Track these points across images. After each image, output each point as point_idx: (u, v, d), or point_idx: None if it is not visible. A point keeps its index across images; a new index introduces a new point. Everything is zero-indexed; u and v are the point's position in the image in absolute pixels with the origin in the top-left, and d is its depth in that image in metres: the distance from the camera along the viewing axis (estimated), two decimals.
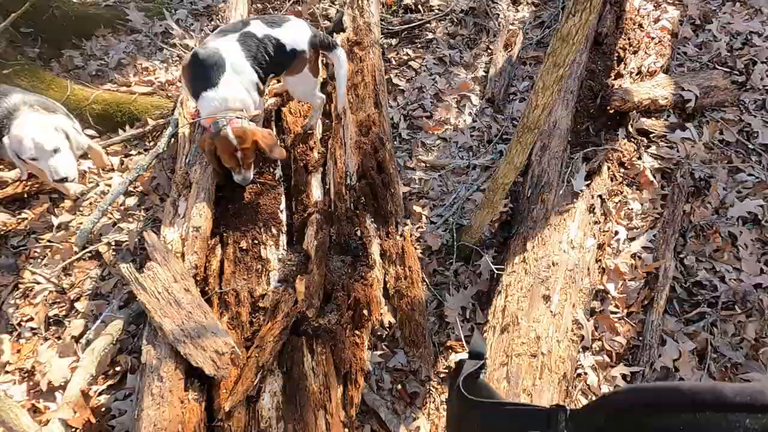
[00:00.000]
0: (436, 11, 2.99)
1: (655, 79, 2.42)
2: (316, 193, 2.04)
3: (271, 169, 2.03)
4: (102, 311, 1.81)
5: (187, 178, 1.91)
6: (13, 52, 2.31)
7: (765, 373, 1.63)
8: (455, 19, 2.94)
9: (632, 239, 2.02)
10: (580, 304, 1.74)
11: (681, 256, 1.96)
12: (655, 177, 2.18)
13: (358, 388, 1.62)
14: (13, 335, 1.78)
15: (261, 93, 1.90)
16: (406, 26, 2.90)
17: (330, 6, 3.01)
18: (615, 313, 1.83)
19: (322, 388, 1.54)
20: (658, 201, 2.12)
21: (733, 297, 1.83)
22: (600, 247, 1.96)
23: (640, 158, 2.25)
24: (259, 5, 2.97)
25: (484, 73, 2.73)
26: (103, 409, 1.59)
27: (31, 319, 1.81)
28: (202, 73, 1.73)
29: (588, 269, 1.83)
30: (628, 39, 2.68)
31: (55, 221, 2.04)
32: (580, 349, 1.72)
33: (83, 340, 1.74)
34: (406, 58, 2.77)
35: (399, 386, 1.71)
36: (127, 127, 2.34)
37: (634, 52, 2.60)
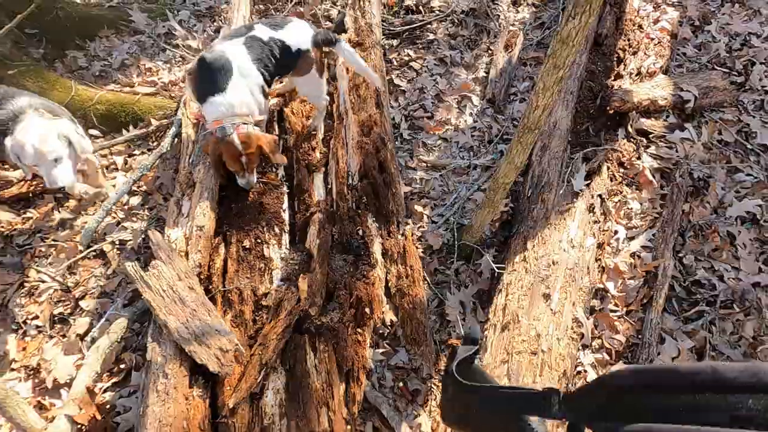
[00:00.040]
0: (437, 12, 3.01)
1: (655, 80, 2.44)
2: (318, 192, 2.06)
3: (274, 169, 2.05)
4: (106, 309, 1.83)
5: (190, 177, 1.93)
6: (18, 53, 2.33)
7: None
8: (456, 20, 2.96)
9: (632, 238, 2.03)
10: (580, 302, 1.76)
11: (680, 255, 1.97)
12: (654, 177, 2.19)
13: (361, 386, 1.64)
14: (18, 333, 1.80)
15: (266, 95, 1.92)
16: (408, 27, 2.92)
17: (332, 7, 3.03)
18: (614, 311, 1.85)
19: (324, 385, 1.55)
20: (658, 201, 2.14)
21: (731, 296, 1.84)
22: (600, 246, 1.98)
23: (639, 158, 2.26)
24: (261, 6, 2.99)
25: (484, 74, 2.75)
26: (108, 406, 1.61)
27: (37, 317, 1.83)
28: (210, 77, 1.75)
29: (588, 268, 1.84)
30: (628, 40, 2.69)
31: (58, 217, 2.06)
32: (580, 347, 1.74)
33: (88, 338, 1.76)
34: (407, 58, 2.79)
35: (401, 384, 1.73)
36: (131, 128, 2.36)
37: (634, 53, 2.62)
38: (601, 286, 1.90)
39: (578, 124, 2.42)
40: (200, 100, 1.79)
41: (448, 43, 2.87)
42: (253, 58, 1.81)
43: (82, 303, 1.86)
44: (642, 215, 2.11)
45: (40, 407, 1.62)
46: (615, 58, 2.65)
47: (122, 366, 1.71)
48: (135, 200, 2.16)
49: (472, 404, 0.61)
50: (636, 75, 2.51)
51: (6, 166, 2.17)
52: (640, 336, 1.77)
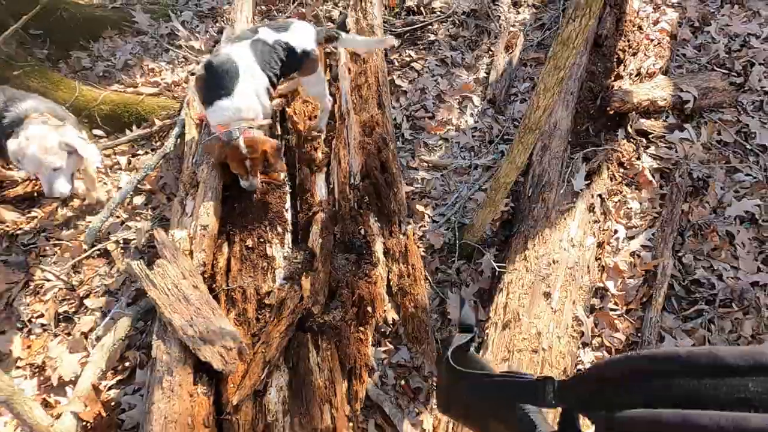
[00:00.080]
0: (438, 13, 3.02)
1: (654, 81, 2.45)
2: (320, 192, 2.07)
3: (276, 169, 2.07)
4: (111, 308, 1.84)
5: (194, 177, 1.95)
6: (23, 53, 2.34)
7: None
8: (457, 21, 2.97)
9: (631, 238, 2.05)
10: (580, 301, 1.78)
11: (679, 254, 1.99)
12: (653, 177, 2.21)
13: (363, 383, 1.65)
14: (23, 331, 1.81)
15: (271, 97, 1.93)
16: (409, 28, 2.93)
17: (333, 8, 3.05)
18: (614, 310, 1.86)
19: (327, 383, 1.57)
20: (657, 200, 2.15)
21: (730, 294, 1.86)
22: (600, 245, 1.99)
23: (639, 158, 2.28)
24: (263, 7, 3.01)
25: (485, 75, 2.77)
26: (112, 404, 1.63)
27: (42, 315, 1.84)
28: (217, 81, 1.76)
29: (588, 267, 1.86)
30: (628, 41, 2.71)
31: (61, 214, 2.07)
32: (580, 345, 1.75)
33: (93, 336, 1.78)
34: (408, 59, 2.81)
35: (402, 382, 1.74)
36: (134, 128, 2.38)
37: (634, 54, 2.64)
38: (601, 284, 1.92)
39: (578, 124, 2.44)
40: (207, 104, 1.81)
41: (449, 44, 2.89)
42: (259, 61, 1.83)
43: (86, 301, 1.88)
44: (642, 215, 2.12)
45: (46, 405, 1.63)
46: (615, 59, 2.67)
47: (127, 364, 1.73)
48: (138, 200, 2.18)
49: (466, 391, 0.60)
50: (636, 76, 2.53)
51: (10, 166, 2.18)
52: (639, 334, 1.78)
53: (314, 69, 2.01)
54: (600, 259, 1.97)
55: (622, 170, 2.25)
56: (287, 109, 2.34)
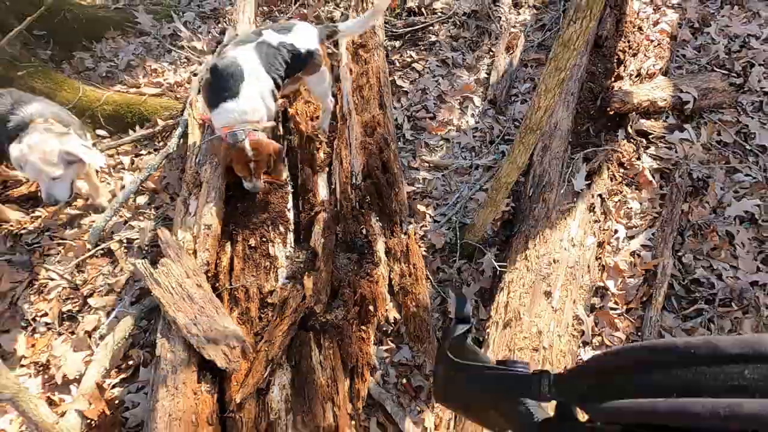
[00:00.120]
0: (439, 14, 3.04)
1: (654, 81, 2.47)
2: (322, 192, 2.09)
3: (279, 170, 2.08)
4: (114, 307, 1.86)
5: (197, 177, 1.96)
6: (27, 54, 2.36)
7: None
8: (458, 22, 2.99)
9: (631, 238, 2.06)
10: (581, 300, 1.79)
11: (679, 254, 2.00)
12: (653, 177, 2.22)
13: (365, 382, 1.67)
14: (28, 330, 1.83)
15: (276, 99, 1.95)
16: (410, 29, 2.95)
17: (335, 9, 3.06)
18: (614, 309, 1.87)
19: (329, 381, 1.58)
20: (657, 200, 2.16)
21: (730, 294, 1.87)
22: (600, 245, 2.01)
23: (639, 159, 2.29)
24: (265, 8, 3.02)
25: (486, 75, 2.78)
26: (116, 402, 1.64)
27: (46, 314, 1.86)
28: (222, 84, 1.78)
29: (588, 266, 1.87)
30: (628, 42, 2.72)
31: (63, 213, 2.09)
32: (581, 344, 1.77)
33: (96, 335, 1.79)
34: (409, 60, 2.82)
35: (404, 380, 1.75)
36: (137, 128, 2.39)
37: (634, 55, 2.65)
38: (602, 284, 1.93)
39: (579, 125, 2.45)
40: (212, 106, 1.81)
41: (450, 45, 2.91)
42: (264, 63, 1.84)
43: (90, 300, 1.89)
44: (642, 215, 2.14)
45: (50, 403, 1.64)
46: (615, 60, 2.68)
47: (130, 362, 1.74)
48: (142, 199, 2.19)
49: (465, 384, 0.61)
50: (636, 76, 2.54)
51: (14, 167, 2.20)
52: (639, 333, 1.80)
53: (318, 68, 2.03)
54: (600, 258, 1.98)
55: (622, 170, 2.26)
56: (289, 109, 2.36)
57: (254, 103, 1.81)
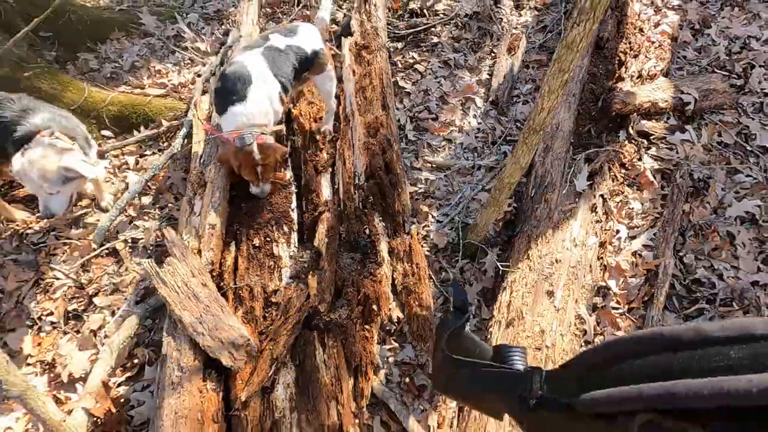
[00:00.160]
0: (441, 16, 3.06)
1: (656, 83, 2.48)
2: (325, 192, 2.10)
3: (282, 170, 2.10)
4: (119, 306, 1.87)
5: (202, 177, 1.97)
6: (33, 55, 2.38)
7: None
8: (460, 24, 3.01)
9: (633, 238, 2.08)
10: (583, 299, 1.80)
11: (680, 254, 2.01)
12: (655, 177, 2.24)
13: (369, 381, 1.68)
14: (33, 329, 1.84)
15: (283, 102, 1.96)
16: (412, 30, 2.97)
17: (337, 10, 3.08)
18: (616, 308, 1.89)
19: (333, 380, 1.59)
20: (658, 201, 2.18)
21: (731, 294, 1.88)
22: (602, 245, 2.02)
23: (640, 159, 2.31)
24: (268, 9, 3.04)
25: (488, 76, 2.80)
26: (122, 400, 1.65)
27: (51, 313, 1.87)
28: (230, 89, 1.79)
29: (590, 266, 1.88)
30: (629, 43, 2.74)
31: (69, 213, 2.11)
32: (583, 343, 1.78)
33: (102, 334, 1.80)
34: (412, 61, 2.84)
35: (407, 379, 1.77)
36: (142, 128, 2.41)
37: (635, 56, 2.66)
38: (603, 284, 1.94)
39: (580, 125, 2.47)
40: (221, 111, 1.82)
41: (451, 46, 2.92)
42: (271, 67, 1.86)
43: (95, 299, 1.90)
44: (643, 215, 2.15)
45: (56, 401, 1.66)
46: (616, 61, 2.70)
47: (135, 361, 1.75)
48: (146, 199, 2.21)
49: (464, 382, 0.62)
50: (637, 78, 2.56)
51: None
52: None
53: (324, 68, 2.06)
54: (602, 258, 2.00)
55: (623, 171, 2.27)
56: (293, 110, 2.37)
57: (262, 107, 1.82)
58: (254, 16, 2.71)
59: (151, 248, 2.05)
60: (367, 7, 2.77)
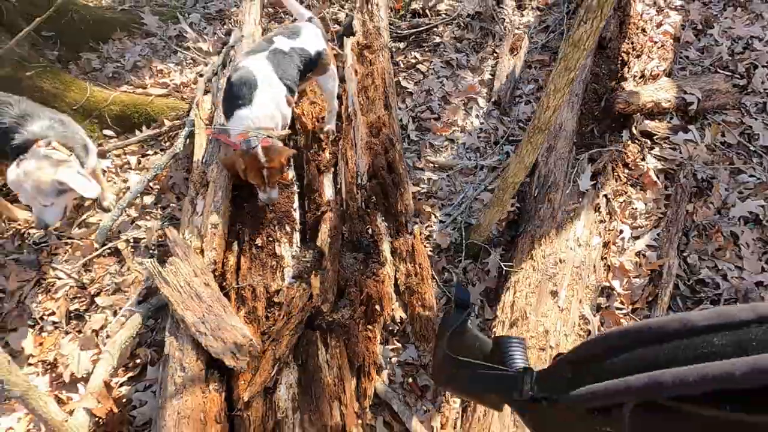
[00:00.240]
0: (444, 16, 3.05)
1: (658, 83, 2.48)
2: (328, 192, 2.10)
3: (285, 170, 2.09)
4: (122, 306, 1.86)
5: (204, 177, 1.97)
6: (35, 55, 2.38)
7: None
8: (462, 24, 3.00)
9: (636, 238, 2.07)
10: (587, 299, 1.79)
11: (684, 254, 2.01)
12: (658, 177, 2.23)
13: (371, 381, 1.67)
14: (35, 329, 1.83)
15: (290, 104, 1.95)
16: (414, 30, 2.96)
17: (340, 10, 3.08)
18: (620, 309, 1.88)
19: (336, 380, 1.59)
20: (662, 201, 2.17)
21: (735, 294, 1.87)
22: (605, 245, 2.01)
23: (643, 159, 2.30)
24: (270, 9, 3.04)
25: (490, 76, 2.79)
26: (124, 400, 1.65)
27: (53, 313, 1.86)
28: (236, 93, 1.79)
29: (594, 266, 1.88)
30: (632, 43, 2.73)
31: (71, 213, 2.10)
32: None
33: (104, 334, 1.80)
34: (414, 61, 2.84)
35: (410, 380, 1.76)
36: (144, 128, 2.41)
37: (638, 56, 2.66)
38: (607, 284, 1.94)
39: (583, 125, 2.46)
40: (227, 115, 1.83)
41: (454, 46, 2.92)
42: (276, 70, 1.86)
43: (97, 299, 1.90)
44: (647, 215, 2.14)
45: (58, 401, 1.65)
46: (619, 61, 2.69)
47: (137, 361, 1.75)
48: (148, 199, 2.20)
49: (465, 382, 0.64)
50: (640, 78, 2.55)
51: None
52: None
53: (327, 68, 2.08)
54: (606, 258, 1.99)
55: (627, 171, 2.27)
56: (295, 110, 2.37)
57: (268, 110, 1.82)
58: (256, 16, 2.71)
59: (153, 248, 2.04)
60: (370, 6, 2.77)
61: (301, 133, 2.28)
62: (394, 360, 1.78)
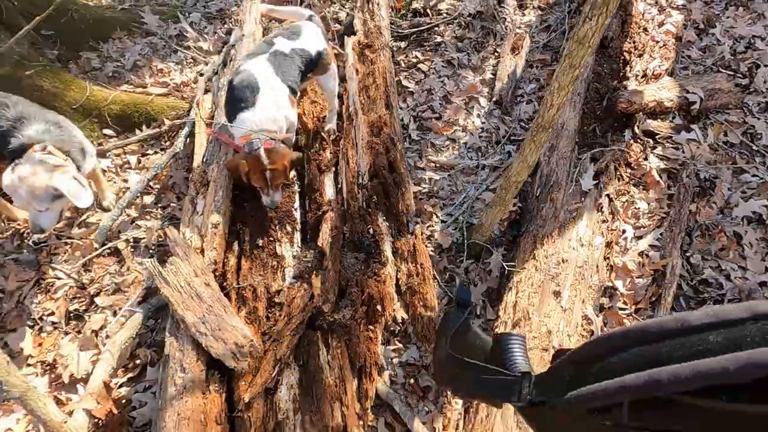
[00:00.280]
0: (445, 15, 3.05)
1: (660, 82, 2.47)
2: (329, 191, 2.08)
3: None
4: (121, 306, 1.85)
5: (204, 176, 1.96)
6: (35, 54, 2.37)
7: None
8: (463, 23, 2.99)
9: (639, 238, 2.06)
10: (590, 300, 1.78)
11: (687, 254, 2.00)
12: (661, 177, 2.22)
13: (373, 382, 1.66)
14: (34, 329, 1.82)
15: (294, 104, 1.94)
16: (415, 30, 2.96)
17: (340, 9, 3.07)
18: (623, 309, 1.87)
19: (337, 381, 1.57)
20: (665, 201, 2.16)
21: (738, 294, 1.86)
22: (608, 245, 2.00)
23: (646, 159, 2.29)
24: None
25: (491, 76, 2.78)
26: (124, 401, 1.63)
27: (52, 313, 1.85)
28: (239, 96, 1.79)
29: (597, 266, 1.87)
30: (634, 43, 2.73)
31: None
32: None
33: (103, 334, 1.78)
34: (415, 60, 2.83)
35: (412, 380, 1.75)
36: (144, 127, 2.40)
37: (640, 56, 2.65)
38: (610, 284, 1.92)
39: (585, 125, 2.45)
40: (230, 119, 1.82)
41: (455, 46, 2.91)
42: (278, 72, 1.85)
43: (97, 299, 1.88)
44: (649, 215, 2.13)
45: (57, 402, 1.64)
46: (621, 61, 2.69)
47: (137, 362, 1.73)
48: (148, 199, 2.19)
49: (470, 384, 0.64)
50: (642, 77, 2.55)
51: None
52: None
53: (328, 67, 2.07)
54: (609, 258, 1.98)
55: (629, 170, 2.26)
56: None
57: (270, 113, 1.80)
58: (257, 15, 2.70)
59: (153, 248, 2.03)
60: (370, 6, 2.76)
61: (302, 133, 2.27)
62: (395, 361, 1.77)
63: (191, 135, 2.24)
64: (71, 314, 1.86)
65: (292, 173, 2.09)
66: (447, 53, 2.86)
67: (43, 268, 1.95)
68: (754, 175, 2.22)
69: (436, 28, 2.98)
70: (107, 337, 1.77)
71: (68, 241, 2.03)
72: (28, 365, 1.74)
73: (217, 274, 1.71)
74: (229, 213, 1.89)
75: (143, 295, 1.89)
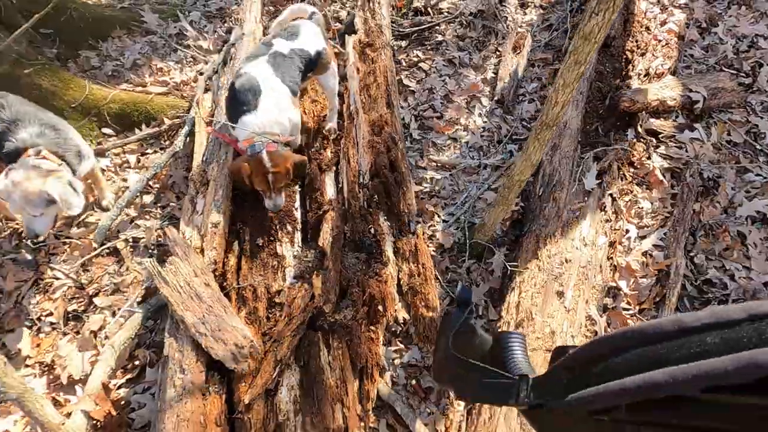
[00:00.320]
0: (446, 14, 3.03)
1: (663, 81, 2.45)
2: (329, 191, 2.07)
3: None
4: (120, 306, 1.84)
5: (204, 175, 1.94)
6: (34, 52, 2.35)
7: None
8: (464, 22, 2.98)
9: (643, 237, 2.04)
10: (593, 300, 1.77)
11: (691, 254, 1.98)
12: (664, 176, 2.20)
13: (374, 383, 1.64)
14: (32, 330, 1.80)
15: (296, 105, 1.92)
16: (416, 28, 2.94)
17: (341, 8, 3.06)
18: (627, 309, 1.85)
19: (338, 382, 1.56)
20: (668, 200, 2.14)
21: (743, 294, 1.85)
22: (611, 244, 1.99)
23: (649, 158, 2.27)
24: (271, 7, 3.01)
25: (493, 75, 2.77)
26: (122, 402, 1.62)
27: (51, 314, 1.83)
28: (240, 99, 1.77)
29: (600, 266, 1.85)
30: (636, 41, 2.71)
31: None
32: None
33: (102, 335, 1.77)
34: (416, 59, 2.81)
35: (413, 381, 1.73)
36: (144, 126, 2.38)
37: (642, 54, 2.64)
38: (614, 284, 1.91)
39: (588, 124, 2.44)
40: (234, 120, 1.81)
41: (456, 45, 2.90)
42: (278, 73, 1.84)
43: (96, 300, 1.87)
44: (653, 214, 2.12)
45: (55, 403, 1.62)
46: (623, 60, 2.67)
47: (136, 363, 1.72)
48: (148, 198, 2.17)
49: (475, 386, 0.63)
50: (644, 76, 2.53)
51: None
52: None
53: (327, 66, 2.05)
54: (612, 258, 1.96)
55: (632, 170, 2.24)
56: None
57: (272, 116, 1.79)
58: (257, 14, 2.69)
59: (152, 248, 2.01)
60: (371, 4, 2.75)
61: (302, 132, 2.26)
62: (397, 361, 1.75)
63: (191, 134, 2.23)
64: (70, 314, 1.85)
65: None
66: (448, 52, 2.85)
67: (42, 268, 1.94)
68: (757, 175, 2.20)
69: (438, 27, 2.97)
70: (106, 337, 1.75)
71: (67, 240, 2.02)
72: (26, 366, 1.72)
73: (217, 274, 1.70)
74: (229, 212, 1.87)
75: (142, 296, 1.87)
